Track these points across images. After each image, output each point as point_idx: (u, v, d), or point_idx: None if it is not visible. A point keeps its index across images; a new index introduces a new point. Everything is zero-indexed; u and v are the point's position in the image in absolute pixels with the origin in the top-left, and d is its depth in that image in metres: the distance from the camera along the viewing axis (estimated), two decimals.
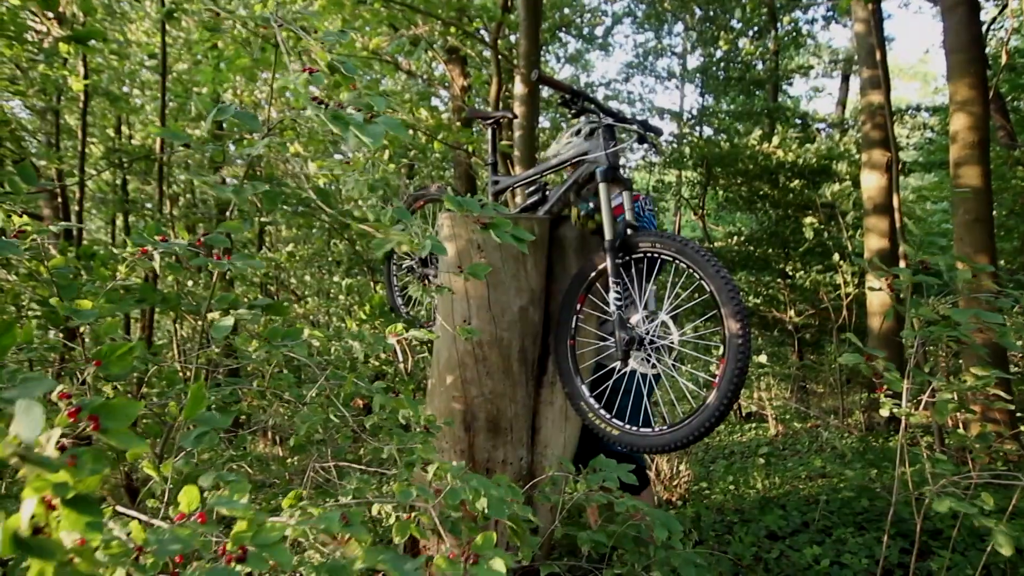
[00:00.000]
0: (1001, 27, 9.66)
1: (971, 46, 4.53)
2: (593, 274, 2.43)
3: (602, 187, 2.33)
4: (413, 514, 1.31)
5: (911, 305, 2.41)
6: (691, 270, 2.13)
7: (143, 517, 0.88)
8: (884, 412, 2.18)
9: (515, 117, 3.35)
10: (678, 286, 2.22)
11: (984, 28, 8.28)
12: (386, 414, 1.64)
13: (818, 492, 4.18)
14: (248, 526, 0.81)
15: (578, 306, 2.47)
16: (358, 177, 1.55)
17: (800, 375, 8.75)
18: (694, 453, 6.10)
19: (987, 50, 8.39)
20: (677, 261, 2.16)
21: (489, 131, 3.02)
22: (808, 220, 6.84)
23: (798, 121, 11.21)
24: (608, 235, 2.30)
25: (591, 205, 2.47)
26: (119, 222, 7.46)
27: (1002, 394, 2.17)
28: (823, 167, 8.55)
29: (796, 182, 8.74)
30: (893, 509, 2.59)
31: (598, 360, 2.64)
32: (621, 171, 2.40)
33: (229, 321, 1.33)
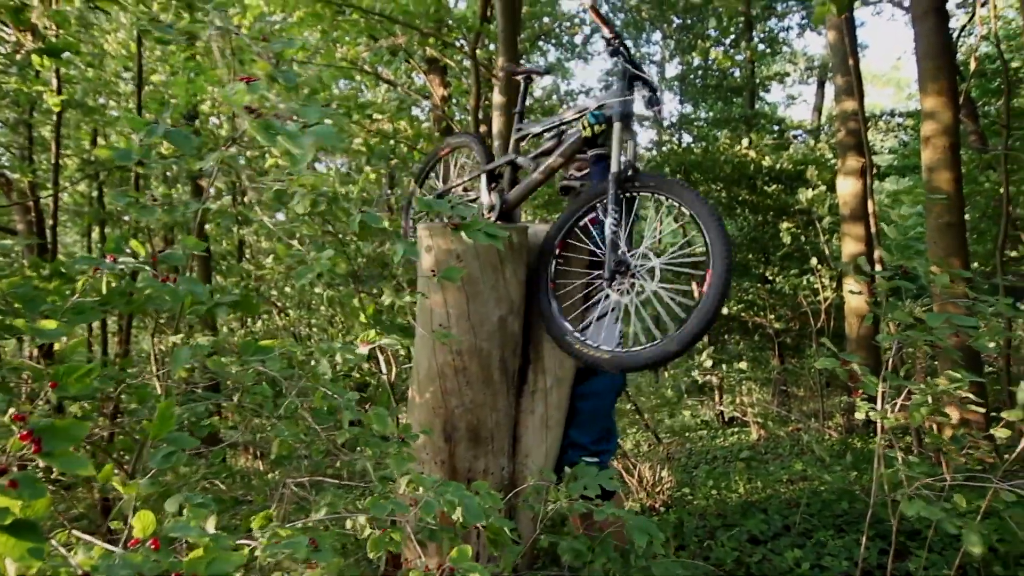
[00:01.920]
0: (971, 34, 9.86)
1: (941, 53, 4.62)
2: (579, 214, 2.56)
3: (617, 126, 2.47)
4: (388, 528, 1.30)
5: (887, 309, 2.45)
6: (683, 207, 2.31)
7: (97, 542, 0.86)
8: (860, 415, 2.20)
9: (547, 73, 3.50)
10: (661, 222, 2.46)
11: (955, 35, 8.45)
12: (359, 428, 1.63)
13: (799, 495, 4.21)
14: (205, 553, 0.80)
15: (557, 251, 2.57)
16: (302, 191, 1.55)
17: (781, 379, 8.82)
18: (677, 459, 6.12)
19: (958, 56, 8.56)
20: (671, 201, 2.36)
21: (522, 84, 3.17)
22: (785, 225, 6.93)
23: (775, 127, 11.35)
24: (614, 167, 2.43)
25: (601, 114, 2.58)
26: (95, 234, 7.36)
27: (973, 397, 2.20)
28: (799, 172, 8.66)
29: (774, 187, 8.84)
30: (871, 511, 2.62)
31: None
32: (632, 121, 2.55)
33: (187, 352, 1.31)
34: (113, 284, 1.49)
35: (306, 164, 1.41)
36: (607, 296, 2.42)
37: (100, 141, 7.17)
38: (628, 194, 2.46)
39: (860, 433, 6.39)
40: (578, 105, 2.79)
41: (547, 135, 2.90)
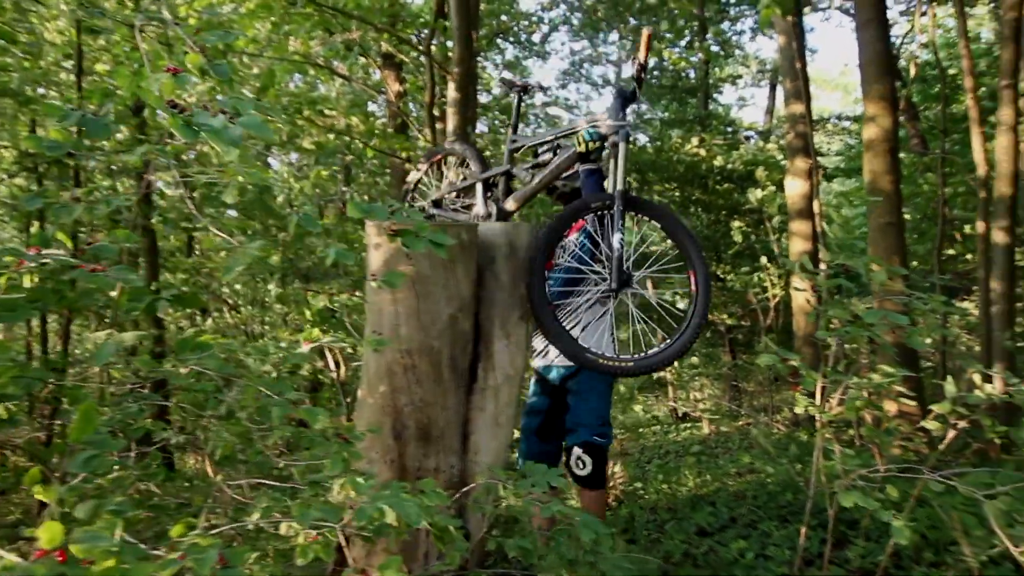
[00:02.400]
0: (913, 40, 10.23)
1: (881, 60, 4.78)
2: (561, 230, 2.69)
3: (622, 146, 2.64)
4: (320, 534, 1.28)
5: (827, 306, 2.52)
6: (662, 227, 2.65)
7: (3, 553, 0.83)
8: (799, 410, 2.27)
9: (545, 89, 3.69)
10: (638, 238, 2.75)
11: (898, 42, 8.75)
12: (301, 428, 1.60)
13: (746, 488, 4.32)
14: (116, 563, 0.78)
15: (545, 271, 2.66)
16: (234, 183, 1.52)
17: (733, 375, 9.03)
18: (630, 454, 6.21)
19: (900, 62, 8.87)
20: (656, 222, 2.67)
21: (515, 97, 3.31)
22: (737, 224, 7.08)
23: (728, 128, 11.57)
24: (620, 185, 2.61)
25: (596, 132, 2.74)
26: (33, 229, 7.08)
27: (904, 391, 2.29)
28: (750, 172, 8.87)
29: (725, 186, 9.03)
30: (811, 502, 2.70)
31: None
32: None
33: (110, 349, 1.27)
34: (37, 279, 1.44)
35: (236, 157, 1.37)
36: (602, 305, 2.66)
37: (40, 132, 6.90)
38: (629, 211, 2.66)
39: (806, 427, 6.58)
40: (566, 123, 3.00)
41: (542, 148, 3.05)
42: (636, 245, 2.72)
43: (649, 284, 2.72)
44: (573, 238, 3.14)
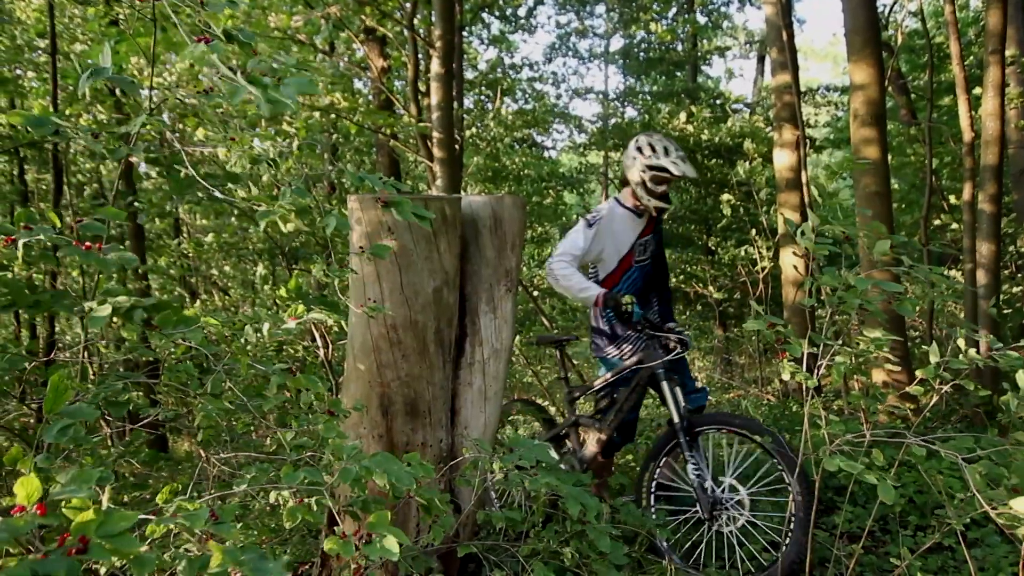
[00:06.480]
0: (904, 9, 10.16)
1: (867, 28, 4.74)
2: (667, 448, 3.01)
3: (664, 384, 3.00)
4: (307, 499, 1.28)
5: (819, 276, 2.52)
6: (740, 434, 2.81)
7: None
8: (785, 377, 2.28)
9: (576, 339, 3.98)
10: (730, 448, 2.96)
11: (887, 10, 8.69)
12: (284, 397, 1.59)
13: None
14: (94, 515, 0.77)
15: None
16: (241, 151, 1.49)
17: (724, 347, 9.07)
18: None
19: (888, 32, 8.82)
20: (729, 431, 2.86)
21: (557, 351, 3.62)
22: (726, 197, 7.07)
23: (716, 101, 11.50)
24: (675, 418, 2.92)
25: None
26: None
27: (890, 357, 2.30)
28: (738, 145, 8.84)
29: (714, 161, 8.99)
30: (799, 469, 2.73)
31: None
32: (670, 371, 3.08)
33: (106, 311, 1.25)
34: (20, 259, 1.41)
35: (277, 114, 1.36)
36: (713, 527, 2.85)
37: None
38: (694, 435, 2.90)
39: (796, 397, 6.64)
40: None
41: (599, 395, 3.36)
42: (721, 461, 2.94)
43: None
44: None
